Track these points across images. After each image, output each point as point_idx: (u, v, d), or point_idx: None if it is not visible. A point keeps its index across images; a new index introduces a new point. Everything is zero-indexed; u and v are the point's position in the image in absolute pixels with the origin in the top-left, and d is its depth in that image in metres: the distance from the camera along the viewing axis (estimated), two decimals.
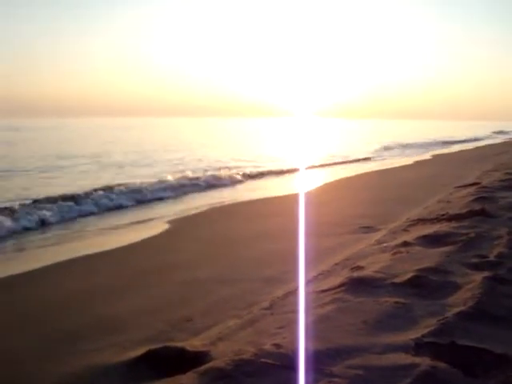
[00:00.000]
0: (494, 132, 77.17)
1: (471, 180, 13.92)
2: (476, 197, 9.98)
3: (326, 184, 17.28)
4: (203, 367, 3.43)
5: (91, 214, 12.43)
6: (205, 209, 12.69)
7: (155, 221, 11.22)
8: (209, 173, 19.73)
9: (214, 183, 17.93)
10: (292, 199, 13.17)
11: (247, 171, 21.26)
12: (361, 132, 74.78)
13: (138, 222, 11.19)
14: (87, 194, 13.66)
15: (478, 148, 37.41)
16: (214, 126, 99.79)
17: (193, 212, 12.20)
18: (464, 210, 8.49)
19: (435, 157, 29.09)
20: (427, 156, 29.86)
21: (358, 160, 28.52)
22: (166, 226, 10.37)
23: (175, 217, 11.49)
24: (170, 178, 17.32)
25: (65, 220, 11.50)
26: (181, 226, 10.43)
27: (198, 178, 18.07)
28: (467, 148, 37.83)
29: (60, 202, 12.49)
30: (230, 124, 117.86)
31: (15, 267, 7.49)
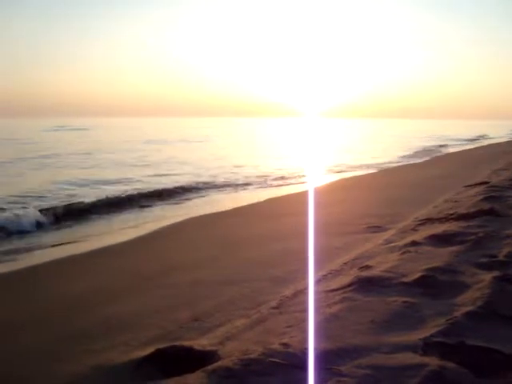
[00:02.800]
0: None
1: (480, 179, 13.84)
2: (485, 196, 9.91)
3: (332, 184, 17.25)
4: (211, 366, 3.43)
5: None
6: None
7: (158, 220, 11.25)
8: None
9: None
10: (300, 199, 13.17)
11: None
12: (388, 131, 74.66)
13: None
14: None
15: (484, 147, 37.21)
16: (250, 127, 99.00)
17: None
18: (473, 210, 8.44)
19: (442, 156, 28.94)
20: (434, 155, 29.72)
21: None
22: (173, 226, 10.39)
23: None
24: None
25: None
26: (187, 226, 10.46)
27: None
28: (472, 147, 37.67)
29: None
30: (259, 124, 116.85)
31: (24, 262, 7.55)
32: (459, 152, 32.40)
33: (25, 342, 4.60)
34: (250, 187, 17.84)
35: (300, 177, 19.66)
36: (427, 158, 27.04)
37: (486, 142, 45.30)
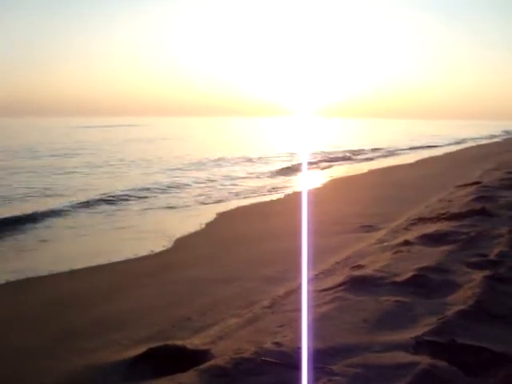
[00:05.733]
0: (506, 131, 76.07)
1: (472, 179, 13.91)
2: (476, 196, 9.98)
3: (326, 183, 17.27)
4: (203, 365, 3.44)
5: None
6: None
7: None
8: None
9: None
10: (293, 199, 13.20)
11: None
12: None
13: None
14: None
15: (475, 147, 37.39)
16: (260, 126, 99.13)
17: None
18: (464, 209, 8.50)
19: (433, 156, 28.94)
20: (427, 155, 29.73)
21: None
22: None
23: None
24: None
25: None
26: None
27: None
28: (464, 148, 37.76)
29: None
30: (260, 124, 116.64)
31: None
32: (451, 153, 32.44)
33: (19, 341, 4.59)
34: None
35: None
36: (419, 159, 27.04)
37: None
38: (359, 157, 29.33)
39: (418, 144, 41.95)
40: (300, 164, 23.99)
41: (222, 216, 11.26)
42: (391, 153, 32.95)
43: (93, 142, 42.01)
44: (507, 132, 74.37)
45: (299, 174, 20.79)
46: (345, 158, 27.98)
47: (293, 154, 30.10)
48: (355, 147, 35.46)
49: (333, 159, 27.08)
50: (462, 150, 34.30)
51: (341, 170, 22.02)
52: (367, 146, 36.15)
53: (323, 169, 22.87)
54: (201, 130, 73.77)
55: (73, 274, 6.93)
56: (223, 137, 55.83)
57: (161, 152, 31.18)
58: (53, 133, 59.51)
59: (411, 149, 36.85)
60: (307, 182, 18.52)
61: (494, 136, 61.69)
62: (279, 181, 18.49)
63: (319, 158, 26.75)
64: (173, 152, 31.13)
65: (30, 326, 4.99)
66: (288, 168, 22.43)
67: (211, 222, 10.56)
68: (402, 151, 34.68)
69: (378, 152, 32.76)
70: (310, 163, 24.66)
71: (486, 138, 56.65)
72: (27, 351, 4.34)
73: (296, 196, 13.77)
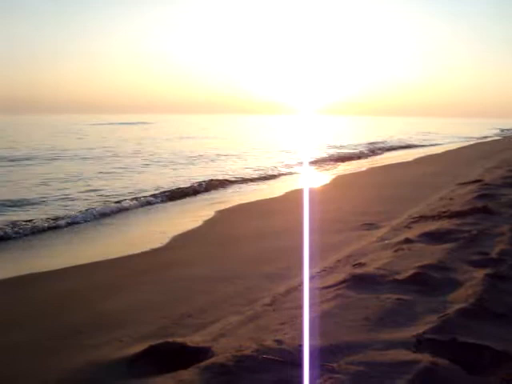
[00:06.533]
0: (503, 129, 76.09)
1: (473, 177, 13.90)
2: (478, 194, 9.97)
3: (327, 181, 17.26)
4: (204, 363, 3.44)
5: None
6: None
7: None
8: None
9: None
10: (294, 197, 13.19)
11: None
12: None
13: None
14: None
15: (476, 145, 37.34)
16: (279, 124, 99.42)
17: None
18: (466, 207, 8.49)
19: (436, 154, 28.91)
20: (427, 153, 29.68)
21: None
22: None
23: None
24: None
25: None
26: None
27: None
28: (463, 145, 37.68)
29: None
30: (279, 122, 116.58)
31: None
32: (451, 150, 32.37)
33: (18, 339, 4.58)
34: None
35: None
36: (419, 156, 26.97)
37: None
38: (359, 155, 29.35)
39: (418, 142, 41.99)
40: (302, 162, 24.22)
41: (220, 213, 11.26)
42: (391, 150, 33.05)
43: (117, 140, 41.93)
44: (507, 130, 74.34)
45: (300, 174, 20.79)
46: (345, 158, 27.95)
47: (295, 152, 30.25)
48: (355, 146, 35.44)
49: (332, 158, 27.09)
50: (462, 148, 34.22)
51: (341, 169, 21.99)
52: (367, 146, 36.04)
53: (323, 168, 22.85)
54: (226, 128, 74.38)
55: (72, 270, 6.94)
56: (261, 134, 56.93)
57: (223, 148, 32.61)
58: (69, 130, 59.27)
59: (411, 147, 36.91)
60: (307, 181, 18.52)
61: (494, 134, 61.65)
62: (280, 180, 18.49)
63: (320, 158, 26.80)
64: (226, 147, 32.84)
65: (31, 324, 4.99)
66: (289, 166, 22.57)
67: (210, 219, 10.57)
68: (402, 149, 34.75)
69: (377, 150, 32.78)
70: (311, 162, 24.73)
71: (485, 136, 56.52)
72: (28, 349, 4.34)
73: (296, 194, 13.76)
